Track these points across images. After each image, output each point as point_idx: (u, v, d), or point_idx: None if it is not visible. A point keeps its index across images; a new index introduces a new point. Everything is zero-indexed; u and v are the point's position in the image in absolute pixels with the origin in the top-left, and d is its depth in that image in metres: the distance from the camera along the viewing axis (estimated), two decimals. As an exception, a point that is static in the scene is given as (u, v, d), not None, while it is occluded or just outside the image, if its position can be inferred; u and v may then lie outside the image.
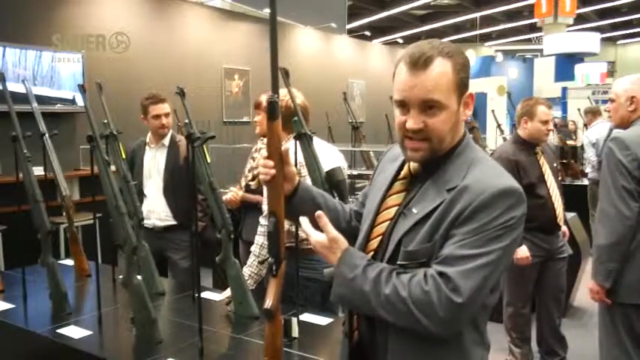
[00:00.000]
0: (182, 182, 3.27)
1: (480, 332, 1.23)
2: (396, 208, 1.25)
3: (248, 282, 2.26)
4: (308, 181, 2.02)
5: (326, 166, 1.97)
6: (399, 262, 1.18)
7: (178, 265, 3.29)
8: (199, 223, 3.20)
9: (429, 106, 1.17)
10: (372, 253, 1.26)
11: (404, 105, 1.19)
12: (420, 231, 1.17)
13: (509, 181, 1.17)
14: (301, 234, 1.98)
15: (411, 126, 1.18)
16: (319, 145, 2.38)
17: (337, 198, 1.85)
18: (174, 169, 3.30)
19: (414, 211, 1.19)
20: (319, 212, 1.22)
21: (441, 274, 1.10)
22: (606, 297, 2.29)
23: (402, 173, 1.28)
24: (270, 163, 1.24)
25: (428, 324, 1.10)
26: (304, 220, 1.24)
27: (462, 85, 1.19)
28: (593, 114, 6.67)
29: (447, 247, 1.13)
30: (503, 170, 1.22)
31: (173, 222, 3.29)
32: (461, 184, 1.15)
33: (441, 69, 1.16)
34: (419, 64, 1.16)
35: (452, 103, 1.18)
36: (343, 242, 1.21)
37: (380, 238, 1.25)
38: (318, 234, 1.22)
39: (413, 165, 1.26)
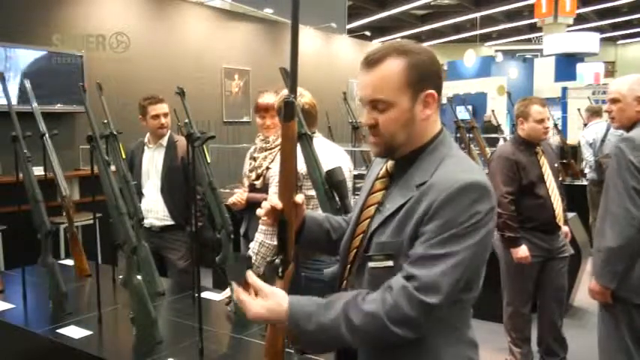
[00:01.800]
0: (179, 182, 3.28)
1: (457, 330, 1.22)
2: (375, 206, 1.28)
3: None
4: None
5: (329, 166, 1.97)
6: (367, 254, 1.21)
7: (176, 265, 3.30)
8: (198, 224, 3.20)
9: (377, 105, 1.20)
10: (354, 250, 1.29)
11: (362, 103, 1.24)
12: (389, 225, 1.20)
13: (474, 175, 1.15)
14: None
15: (364, 122, 1.24)
16: (323, 144, 2.38)
17: (337, 198, 1.86)
18: (171, 169, 3.31)
19: (387, 206, 1.23)
20: (248, 272, 1.18)
21: (410, 277, 1.11)
22: (609, 297, 2.26)
23: (381, 173, 1.31)
24: (280, 205, 1.21)
25: (404, 332, 1.10)
26: (239, 291, 1.18)
27: (415, 83, 1.19)
28: (592, 113, 6.66)
29: (416, 246, 1.14)
30: (472, 166, 1.21)
31: (171, 222, 3.30)
32: (429, 180, 1.16)
33: (389, 67, 1.18)
34: (369, 63, 1.20)
35: (401, 101, 1.19)
36: (283, 295, 1.16)
37: (361, 235, 1.28)
38: (254, 300, 1.15)
39: (390, 164, 1.30)
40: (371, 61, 1.20)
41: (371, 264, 1.20)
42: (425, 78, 1.20)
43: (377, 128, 1.22)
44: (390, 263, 1.18)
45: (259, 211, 1.27)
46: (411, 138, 1.23)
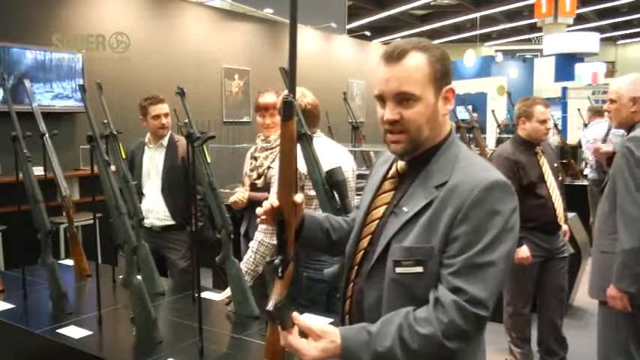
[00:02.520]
0: (180, 182, 3.28)
1: (477, 339, 1.23)
2: (384, 207, 1.26)
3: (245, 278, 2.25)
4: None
5: (330, 165, 1.97)
6: (394, 259, 1.19)
7: (176, 264, 3.30)
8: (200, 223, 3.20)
9: (404, 98, 1.19)
10: (362, 252, 1.27)
11: (382, 99, 1.22)
12: (412, 228, 1.18)
13: (495, 174, 1.17)
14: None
15: (387, 117, 1.20)
16: (325, 144, 2.38)
17: (337, 198, 1.86)
18: (172, 169, 3.31)
19: (405, 209, 1.21)
20: (294, 314, 1.17)
21: (458, 289, 1.11)
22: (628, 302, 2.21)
23: (390, 173, 1.30)
24: (276, 203, 1.19)
25: (459, 346, 1.12)
26: (290, 338, 1.16)
27: (438, 78, 1.20)
28: (593, 113, 6.69)
29: (452, 254, 1.13)
30: (487, 164, 1.23)
31: (171, 222, 3.30)
32: (449, 182, 1.16)
33: (415, 61, 1.18)
34: (393, 57, 1.19)
35: (427, 95, 1.19)
36: (334, 330, 1.15)
37: (370, 237, 1.26)
38: (306, 342, 1.15)
39: (400, 164, 1.28)
40: (394, 56, 1.19)
41: (399, 269, 1.18)
42: (445, 74, 1.21)
43: (400, 123, 1.20)
44: (420, 269, 1.17)
45: (259, 210, 1.27)
46: (434, 133, 1.23)
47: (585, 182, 6.33)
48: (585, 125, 7.02)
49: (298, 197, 1.24)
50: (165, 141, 3.36)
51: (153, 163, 3.37)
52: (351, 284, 1.31)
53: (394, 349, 1.11)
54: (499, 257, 1.12)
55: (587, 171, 6.33)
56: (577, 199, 5.64)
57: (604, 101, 9.43)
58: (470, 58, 15.76)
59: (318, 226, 1.39)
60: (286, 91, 1.24)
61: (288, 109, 1.17)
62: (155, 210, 3.31)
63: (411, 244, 1.17)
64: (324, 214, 1.47)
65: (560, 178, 3.24)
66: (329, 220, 1.44)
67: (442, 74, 1.20)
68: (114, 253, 2.59)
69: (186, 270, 3.27)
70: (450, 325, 1.10)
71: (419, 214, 1.18)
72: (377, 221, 1.26)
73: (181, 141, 3.31)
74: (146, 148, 3.40)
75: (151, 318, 1.94)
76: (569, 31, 15.88)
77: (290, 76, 1.18)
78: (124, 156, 2.42)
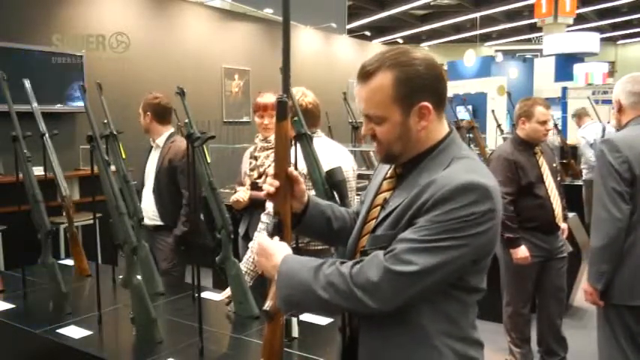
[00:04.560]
0: (168, 183, 3.26)
1: (456, 325, 1.20)
2: (381, 206, 1.28)
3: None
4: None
5: (331, 165, 1.97)
6: (362, 249, 1.22)
7: (159, 265, 3.27)
8: (182, 228, 3.17)
9: (371, 117, 1.22)
10: (362, 250, 1.28)
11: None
12: (387, 220, 1.21)
13: (478, 177, 1.14)
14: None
15: (362, 132, 1.25)
16: (326, 144, 2.38)
17: (337, 198, 1.86)
18: (161, 170, 3.28)
19: (390, 204, 1.23)
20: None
21: (386, 253, 1.12)
22: (600, 298, 2.30)
23: (389, 173, 1.32)
24: (277, 183, 1.25)
25: (367, 299, 1.10)
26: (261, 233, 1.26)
27: (405, 98, 1.18)
28: (579, 117, 6.70)
29: (404, 235, 1.14)
30: (480, 168, 1.20)
31: (159, 222, 3.29)
32: (431, 178, 1.16)
33: (378, 83, 1.18)
34: (361, 75, 1.21)
35: (393, 115, 1.19)
36: (287, 247, 1.24)
37: (368, 236, 1.27)
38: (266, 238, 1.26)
39: (398, 165, 1.30)
40: (364, 75, 1.20)
41: (365, 258, 1.19)
42: (418, 90, 1.18)
43: (376, 138, 1.23)
44: None
45: (266, 187, 1.27)
46: (410, 147, 1.23)
47: (585, 183, 6.33)
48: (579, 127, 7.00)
49: (294, 171, 1.28)
50: (161, 141, 3.35)
51: (151, 163, 3.37)
52: None
53: (316, 270, 1.15)
54: (444, 239, 1.10)
55: (585, 170, 6.32)
56: (577, 199, 5.64)
57: (604, 101, 9.44)
58: (470, 58, 15.73)
59: (321, 214, 1.40)
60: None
61: (282, 109, 1.18)
62: (146, 209, 3.29)
63: (379, 233, 1.20)
64: (328, 202, 1.47)
65: (559, 179, 3.25)
66: (332, 208, 1.44)
67: (411, 92, 1.18)
68: (114, 253, 2.59)
69: (167, 271, 3.22)
70: (358, 270, 1.12)
71: (397, 207, 1.19)
72: (374, 220, 1.27)
73: (176, 142, 3.27)
74: (152, 147, 3.41)
75: (151, 318, 1.94)
76: (569, 31, 15.86)
77: (284, 76, 1.19)
78: (124, 156, 2.42)
